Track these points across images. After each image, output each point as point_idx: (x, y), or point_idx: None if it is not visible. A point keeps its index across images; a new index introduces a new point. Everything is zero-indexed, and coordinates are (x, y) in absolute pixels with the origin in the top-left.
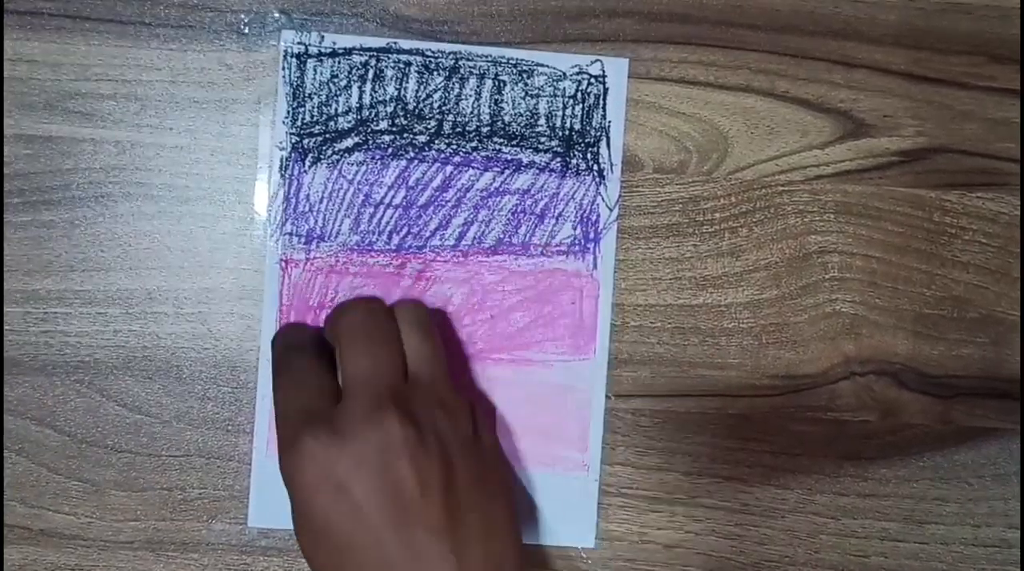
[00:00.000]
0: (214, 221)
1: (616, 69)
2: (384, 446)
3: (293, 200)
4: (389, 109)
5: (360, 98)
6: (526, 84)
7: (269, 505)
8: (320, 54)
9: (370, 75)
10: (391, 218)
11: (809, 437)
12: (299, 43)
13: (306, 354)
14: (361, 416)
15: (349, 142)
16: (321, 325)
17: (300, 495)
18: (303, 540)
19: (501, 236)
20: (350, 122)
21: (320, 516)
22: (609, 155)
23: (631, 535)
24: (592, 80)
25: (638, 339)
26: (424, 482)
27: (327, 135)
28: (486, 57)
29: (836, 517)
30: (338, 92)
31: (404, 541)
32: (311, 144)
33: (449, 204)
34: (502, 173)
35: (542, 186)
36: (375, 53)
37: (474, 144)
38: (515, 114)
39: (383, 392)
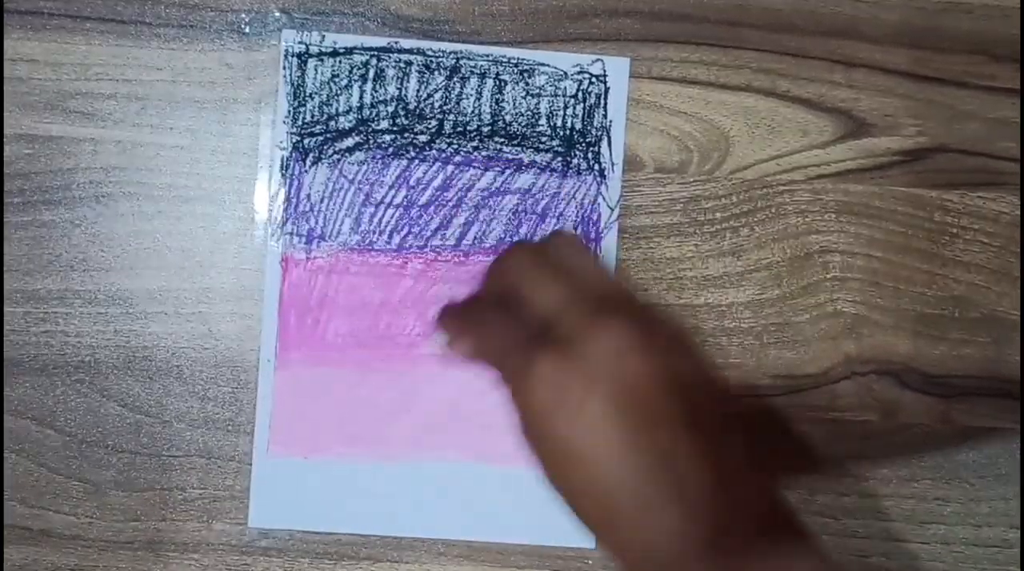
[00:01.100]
0: (214, 221)
1: (617, 68)
2: (618, 351)
3: (294, 200)
4: (390, 109)
5: (361, 98)
6: (527, 84)
7: (269, 505)
8: (321, 53)
9: (371, 75)
10: (392, 218)
11: (810, 437)
12: (300, 43)
13: (486, 305)
14: (585, 327)
15: (350, 142)
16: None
17: (539, 417)
18: (543, 462)
19: (502, 236)
20: (351, 122)
21: (562, 436)
22: (610, 155)
23: None
24: (593, 79)
25: None
26: (657, 379)
27: (328, 135)
28: (487, 56)
29: (837, 517)
30: (339, 92)
31: (650, 441)
32: (312, 144)
33: (450, 204)
34: (503, 173)
35: (543, 186)
36: (376, 52)
37: (475, 144)
38: (516, 114)
39: (591, 305)
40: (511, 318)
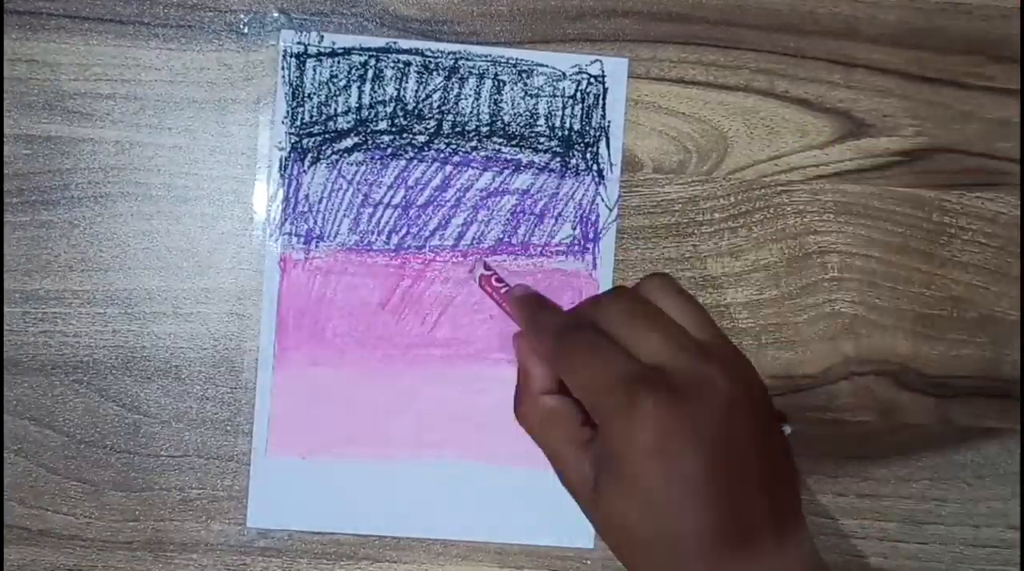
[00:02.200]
0: (213, 221)
1: (615, 69)
2: (723, 407)
3: (292, 200)
4: (388, 109)
5: (359, 98)
6: (525, 84)
7: (268, 505)
8: (319, 54)
9: (369, 75)
10: (390, 218)
11: (808, 437)
12: (298, 43)
13: (591, 330)
14: (693, 374)
15: (348, 142)
16: None
17: (634, 458)
18: (613, 504)
19: (500, 236)
20: (349, 122)
21: (651, 482)
22: (608, 155)
23: None
24: (591, 80)
25: None
26: (757, 442)
27: (326, 135)
28: (485, 57)
29: (835, 517)
30: (337, 92)
31: (730, 502)
32: (310, 144)
33: (448, 204)
34: (501, 173)
35: (541, 186)
36: (374, 53)
37: (473, 144)
38: (514, 114)
39: (694, 354)
40: (617, 350)
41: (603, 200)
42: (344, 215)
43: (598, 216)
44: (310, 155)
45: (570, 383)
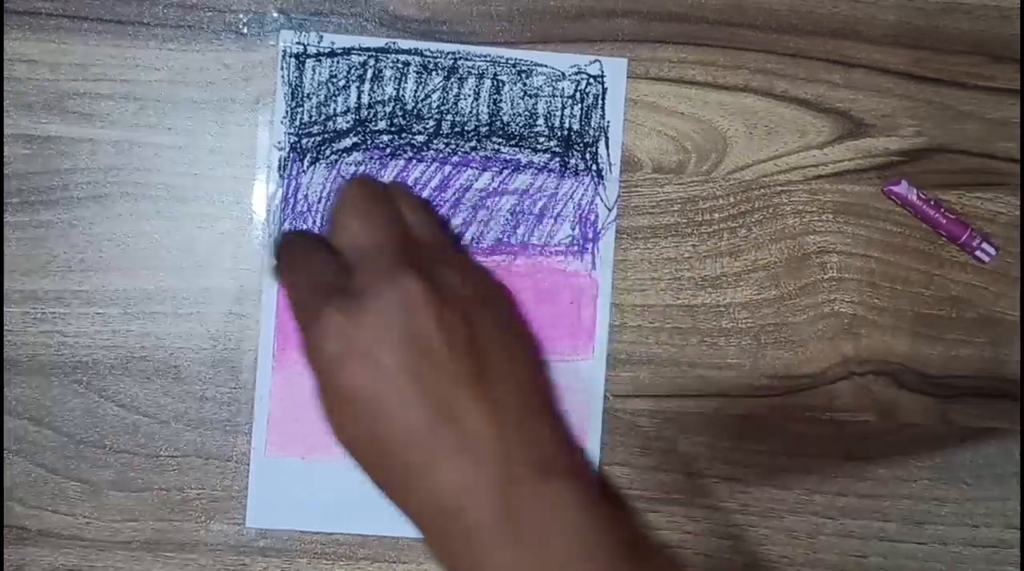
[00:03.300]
0: (212, 221)
1: (615, 69)
2: (405, 305)
3: (291, 200)
4: (388, 109)
5: (359, 98)
6: (525, 84)
7: (267, 505)
8: (319, 54)
9: (369, 75)
10: None
11: (808, 438)
12: (298, 43)
13: (307, 239)
14: (377, 280)
15: (348, 142)
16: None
17: (326, 368)
18: (332, 415)
19: (500, 236)
20: (349, 122)
21: (348, 386)
22: (608, 155)
23: None
24: (591, 80)
25: (637, 339)
26: (449, 335)
27: (326, 135)
28: (485, 57)
29: (835, 517)
30: (337, 92)
31: (435, 396)
32: (310, 144)
33: (447, 204)
34: (500, 173)
35: (541, 186)
36: (374, 53)
37: (472, 144)
38: (514, 114)
39: (394, 255)
40: (318, 260)
41: (602, 200)
42: None
43: (597, 216)
44: (309, 155)
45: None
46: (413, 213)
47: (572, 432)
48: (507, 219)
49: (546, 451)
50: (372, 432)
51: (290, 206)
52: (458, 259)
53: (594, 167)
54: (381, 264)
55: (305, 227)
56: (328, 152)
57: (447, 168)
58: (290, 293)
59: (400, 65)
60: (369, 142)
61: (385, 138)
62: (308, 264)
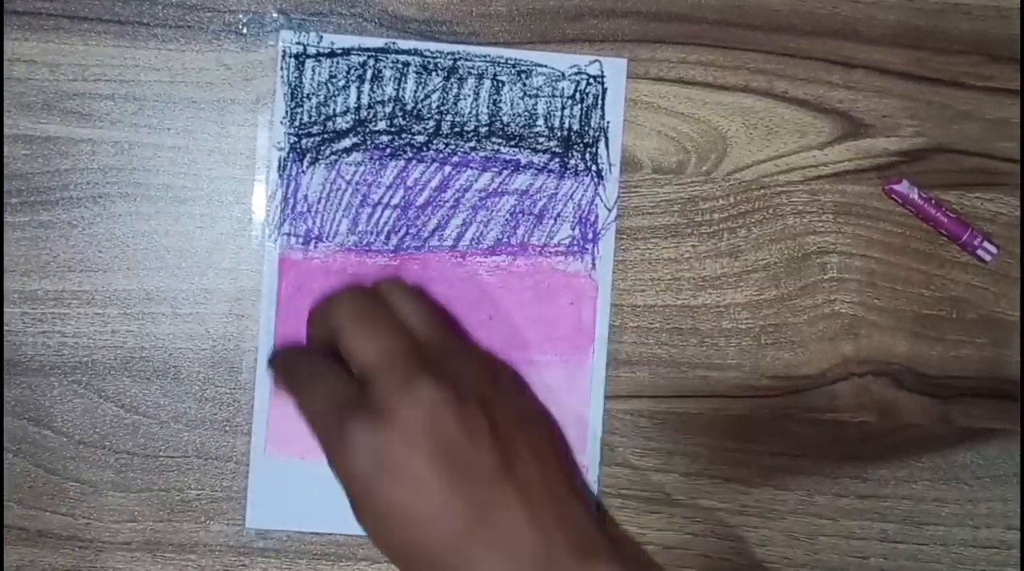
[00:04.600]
0: (212, 221)
1: (614, 69)
2: (428, 413)
3: (291, 200)
4: (387, 109)
5: (358, 98)
6: (524, 84)
7: (267, 506)
8: (318, 54)
9: (368, 75)
10: (389, 218)
11: (808, 438)
12: (297, 43)
13: (312, 357)
14: (396, 392)
15: (347, 142)
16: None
17: (361, 485)
18: (369, 525)
19: (499, 237)
20: (348, 122)
21: (385, 502)
22: (608, 155)
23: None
24: (590, 80)
25: (637, 340)
26: (472, 434)
27: (325, 135)
28: (484, 57)
29: (835, 518)
30: (336, 92)
31: (467, 496)
32: (309, 144)
33: (447, 204)
34: (500, 173)
35: (540, 186)
36: (373, 53)
37: (472, 144)
38: (513, 114)
39: (405, 364)
40: (331, 376)
41: (602, 200)
42: (343, 215)
43: (597, 216)
44: (309, 155)
45: (301, 416)
46: (411, 311)
47: (596, 503)
48: (507, 219)
49: (582, 531)
50: (410, 539)
51: (290, 206)
52: (463, 349)
53: (594, 167)
54: (397, 376)
55: (300, 344)
56: (328, 152)
57: (447, 168)
58: (304, 410)
59: (400, 65)
60: (369, 142)
61: (385, 138)
62: (321, 381)
